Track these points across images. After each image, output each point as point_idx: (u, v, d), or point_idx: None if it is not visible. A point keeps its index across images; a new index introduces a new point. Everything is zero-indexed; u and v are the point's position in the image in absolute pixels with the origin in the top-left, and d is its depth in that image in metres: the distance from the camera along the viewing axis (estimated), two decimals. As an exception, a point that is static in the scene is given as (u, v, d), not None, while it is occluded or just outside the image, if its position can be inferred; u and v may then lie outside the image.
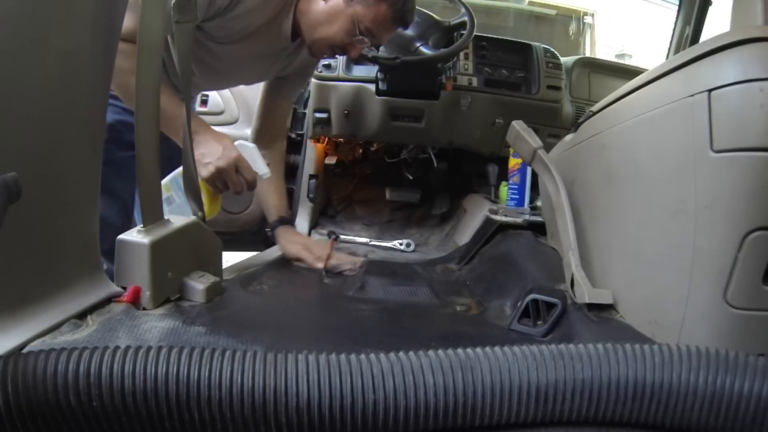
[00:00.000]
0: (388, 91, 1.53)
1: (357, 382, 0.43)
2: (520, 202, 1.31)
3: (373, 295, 1.00)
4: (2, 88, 0.46)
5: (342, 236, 1.58)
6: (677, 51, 1.74)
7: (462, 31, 1.42)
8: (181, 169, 0.96)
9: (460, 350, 0.47)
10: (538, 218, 1.15)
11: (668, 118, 0.64)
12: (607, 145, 0.81)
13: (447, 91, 1.53)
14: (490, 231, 1.17)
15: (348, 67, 1.55)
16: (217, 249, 0.85)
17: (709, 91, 0.57)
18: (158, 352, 0.43)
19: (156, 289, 0.65)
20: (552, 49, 1.69)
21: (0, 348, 0.48)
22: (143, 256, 0.64)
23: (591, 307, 0.72)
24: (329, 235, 1.55)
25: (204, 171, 0.94)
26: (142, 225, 0.66)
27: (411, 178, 1.86)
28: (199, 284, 0.72)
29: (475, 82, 1.58)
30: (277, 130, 1.33)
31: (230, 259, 1.29)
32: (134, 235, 0.65)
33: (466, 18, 1.42)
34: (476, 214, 1.47)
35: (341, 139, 1.75)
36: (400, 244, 1.55)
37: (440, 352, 0.47)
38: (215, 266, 0.83)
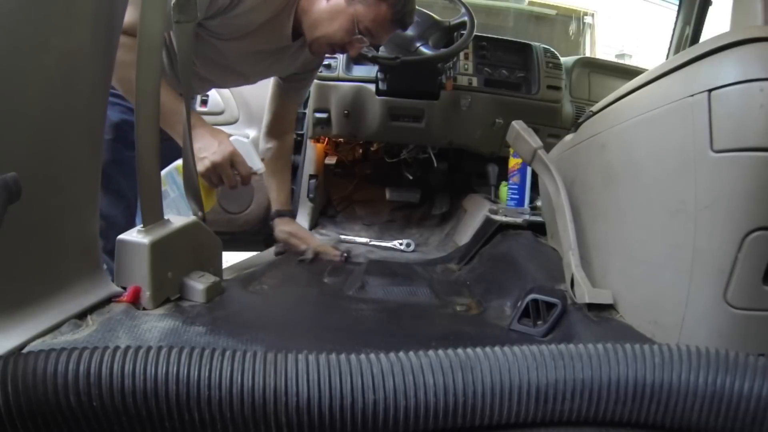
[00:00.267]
0: (388, 91, 1.53)
1: (357, 382, 0.43)
2: (520, 202, 1.31)
3: (373, 295, 1.00)
4: (2, 88, 0.46)
5: (342, 236, 1.58)
6: (677, 51, 1.74)
7: (462, 31, 1.42)
8: (176, 163, 0.97)
9: (460, 350, 0.47)
10: (538, 218, 1.15)
11: (668, 118, 0.64)
12: (607, 145, 0.81)
13: (447, 91, 1.54)
14: (490, 231, 1.17)
15: (348, 67, 1.55)
16: (217, 249, 0.85)
17: (709, 91, 0.57)
18: (158, 352, 0.43)
19: (156, 289, 0.65)
20: (552, 49, 1.69)
21: (0, 348, 0.48)
22: (143, 256, 0.64)
23: (591, 307, 0.72)
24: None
25: (199, 165, 0.95)
26: (142, 225, 0.66)
27: (411, 178, 1.86)
28: (199, 284, 0.72)
29: (475, 82, 1.58)
30: (285, 124, 1.35)
31: (230, 259, 1.29)
32: (134, 235, 0.65)
33: (466, 18, 1.42)
34: (476, 214, 1.47)
35: (341, 139, 1.75)
36: (400, 244, 1.55)
37: (440, 352, 0.47)
38: (215, 266, 0.83)
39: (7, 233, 0.42)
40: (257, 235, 1.70)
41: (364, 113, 1.57)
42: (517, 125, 0.99)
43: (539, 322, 0.75)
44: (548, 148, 0.97)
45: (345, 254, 1.30)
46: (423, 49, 1.35)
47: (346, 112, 1.56)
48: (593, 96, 1.75)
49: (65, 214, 0.57)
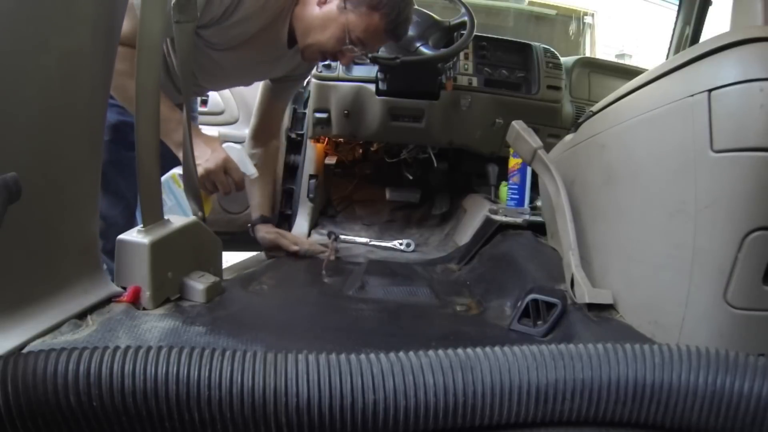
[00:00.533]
0: (388, 91, 1.53)
1: (357, 382, 0.43)
2: (520, 202, 1.31)
3: (373, 295, 1.00)
4: (2, 89, 0.46)
5: (342, 236, 1.58)
6: (677, 51, 1.74)
7: (462, 31, 1.42)
8: (172, 172, 0.99)
9: (460, 350, 0.47)
10: (538, 218, 1.15)
11: (668, 118, 0.64)
12: (607, 145, 0.81)
13: (447, 91, 1.53)
14: (490, 231, 1.17)
15: (348, 67, 1.55)
16: (217, 249, 0.85)
17: (709, 91, 0.57)
18: (158, 352, 0.43)
19: (156, 289, 0.65)
20: (552, 49, 1.69)
21: (0, 348, 0.48)
22: (143, 256, 0.64)
23: (591, 307, 0.72)
24: (329, 235, 1.55)
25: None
26: (142, 225, 0.66)
27: (411, 178, 1.86)
28: (199, 284, 0.72)
29: (475, 82, 1.58)
30: (272, 129, 1.36)
31: (230, 259, 1.30)
32: (134, 235, 0.65)
33: (466, 18, 1.42)
34: (476, 214, 1.47)
35: (341, 139, 1.75)
36: (400, 244, 1.55)
37: (440, 352, 0.47)
38: (215, 266, 0.83)
39: (7, 233, 0.42)
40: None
41: (364, 113, 1.57)
42: (517, 125, 0.99)
43: (539, 322, 0.75)
44: (548, 148, 0.97)
45: (336, 252, 1.29)
46: (423, 49, 1.35)
47: (346, 112, 1.56)
48: (593, 96, 1.75)
49: (65, 214, 0.57)
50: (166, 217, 0.71)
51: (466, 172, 1.83)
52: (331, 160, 1.79)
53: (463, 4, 1.44)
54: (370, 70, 1.54)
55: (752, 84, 0.54)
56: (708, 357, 0.45)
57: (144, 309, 0.64)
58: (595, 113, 0.89)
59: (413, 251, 1.54)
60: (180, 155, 0.96)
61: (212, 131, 1.55)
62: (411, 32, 1.37)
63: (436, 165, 1.74)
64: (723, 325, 0.58)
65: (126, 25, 0.63)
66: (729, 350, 0.46)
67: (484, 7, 2.74)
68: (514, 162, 1.32)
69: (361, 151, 1.89)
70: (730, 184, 0.56)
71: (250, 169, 1.04)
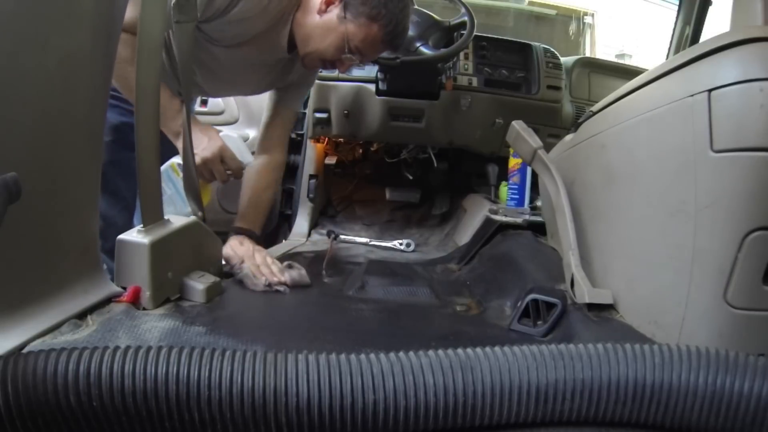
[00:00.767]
0: (388, 91, 1.53)
1: (357, 382, 0.43)
2: (520, 202, 1.31)
3: (373, 295, 1.00)
4: (2, 89, 0.46)
5: (342, 236, 1.58)
6: (677, 51, 1.74)
7: (462, 31, 1.42)
8: (172, 160, 1.00)
9: (460, 350, 0.47)
10: (538, 218, 1.15)
11: (668, 118, 0.64)
12: (607, 145, 0.81)
13: (447, 91, 1.53)
14: (490, 231, 1.17)
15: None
16: (217, 249, 0.85)
17: (709, 91, 0.57)
18: (158, 352, 0.43)
19: (156, 289, 0.65)
20: (552, 49, 1.69)
21: (0, 348, 0.48)
22: (143, 256, 0.64)
23: (591, 307, 0.72)
24: (329, 234, 1.55)
25: None
26: (142, 225, 0.66)
27: (411, 178, 1.86)
28: (199, 284, 0.72)
29: (475, 82, 1.58)
30: (278, 137, 1.24)
31: (230, 259, 1.29)
32: (134, 235, 0.65)
33: (466, 18, 1.42)
34: (476, 214, 1.47)
35: (341, 139, 1.75)
36: (400, 244, 1.55)
37: (440, 352, 0.47)
38: (215, 266, 0.83)
39: (7, 233, 0.42)
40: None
41: (364, 113, 1.57)
42: (517, 125, 0.99)
43: (539, 322, 0.75)
44: (548, 148, 0.97)
45: (269, 284, 0.89)
46: (423, 49, 1.35)
47: (346, 112, 1.56)
48: (593, 96, 1.75)
49: (65, 214, 0.57)
50: (166, 216, 0.71)
51: (466, 172, 1.83)
52: (331, 160, 1.79)
53: (463, 4, 1.44)
54: (370, 70, 1.54)
55: (752, 84, 0.54)
56: (708, 357, 0.45)
57: (144, 309, 0.64)
58: (595, 113, 0.89)
59: (413, 251, 1.54)
60: (178, 144, 0.96)
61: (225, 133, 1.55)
62: (411, 32, 1.37)
63: (436, 165, 1.74)
64: (723, 325, 0.58)
65: (129, 12, 0.64)
66: (729, 350, 0.46)
67: (484, 7, 2.74)
68: (514, 162, 1.32)
69: (361, 151, 1.89)
70: (730, 184, 0.56)
71: (247, 157, 1.04)
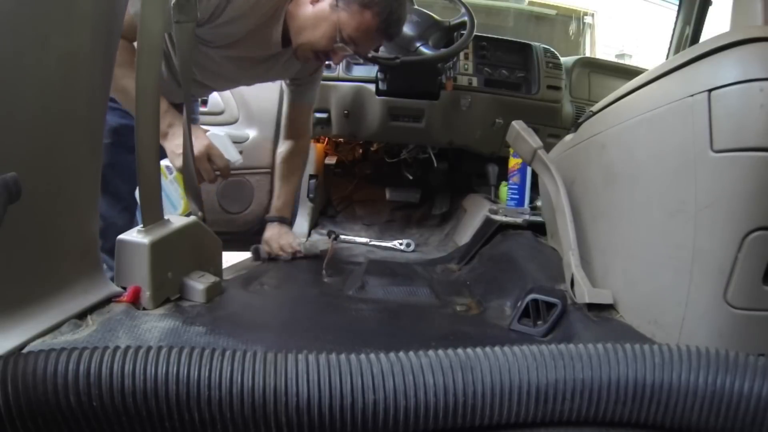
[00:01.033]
0: (388, 91, 1.53)
1: (357, 382, 0.43)
2: (520, 202, 1.31)
3: (373, 295, 1.00)
4: (2, 89, 0.46)
5: (342, 236, 1.58)
6: (677, 51, 1.74)
7: (462, 31, 1.42)
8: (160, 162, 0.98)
9: (460, 350, 0.47)
10: (538, 218, 1.15)
11: (668, 118, 0.64)
12: (607, 145, 0.81)
13: (447, 91, 1.53)
14: (490, 231, 1.17)
15: (348, 67, 1.55)
16: (217, 249, 0.85)
17: (709, 91, 0.57)
18: (158, 352, 0.43)
19: (156, 289, 0.65)
20: (552, 49, 1.69)
21: (0, 348, 0.48)
22: (143, 256, 0.64)
23: (591, 307, 0.72)
24: (329, 234, 1.55)
25: (177, 161, 0.96)
26: (142, 225, 0.66)
27: (411, 178, 1.86)
28: (199, 284, 0.72)
29: (475, 82, 1.58)
30: (298, 127, 1.34)
31: (230, 259, 1.29)
32: (134, 235, 0.65)
33: (466, 18, 1.42)
34: (476, 214, 1.47)
35: (341, 139, 1.75)
36: (400, 244, 1.55)
37: (440, 352, 0.47)
38: (215, 266, 0.83)
39: (7, 233, 0.42)
40: (257, 235, 1.70)
41: (364, 113, 1.57)
42: (517, 125, 0.99)
43: (539, 322, 0.75)
44: (548, 148, 0.97)
45: (298, 251, 1.26)
46: (423, 49, 1.35)
47: (345, 112, 1.56)
48: (593, 96, 1.75)
49: (65, 214, 0.57)
50: (165, 216, 0.71)
51: (466, 172, 1.83)
52: (331, 160, 1.79)
53: (463, 4, 1.44)
54: (370, 70, 1.54)
55: (752, 84, 0.54)
56: (708, 357, 0.45)
57: (144, 309, 0.64)
58: (595, 113, 0.89)
59: (413, 251, 1.54)
60: (165, 145, 0.96)
61: (215, 131, 1.55)
62: (411, 32, 1.37)
63: (436, 165, 1.74)
64: (723, 325, 0.58)
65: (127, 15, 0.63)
66: (729, 350, 0.46)
67: (484, 7, 2.74)
68: (514, 162, 1.32)
69: (361, 151, 1.89)
70: (730, 184, 0.56)
71: (234, 155, 1.03)
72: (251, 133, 1.65)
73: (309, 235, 1.61)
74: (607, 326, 0.68)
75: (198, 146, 0.97)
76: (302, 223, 1.63)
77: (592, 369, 0.46)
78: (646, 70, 0.77)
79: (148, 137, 0.65)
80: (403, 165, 1.85)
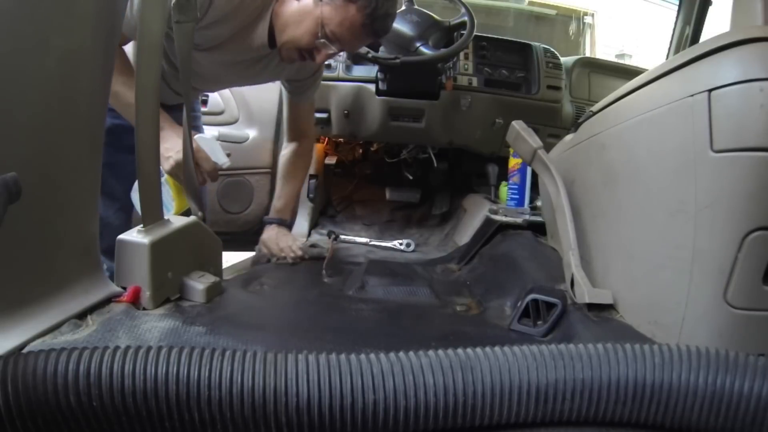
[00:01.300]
0: (388, 91, 1.53)
1: (357, 382, 0.43)
2: (520, 202, 1.31)
3: (373, 295, 1.00)
4: (2, 89, 0.46)
5: (342, 236, 1.58)
6: (677, 51, 1.74)
7: (462, 31, 1.42)
8: None
9: (460, 350, 0.47)
10: (538, 218, 1.15)
11: (668, 118, 0.64)
12: (607, 145, 0.81)
13: (447, 91, 1.53)
14: (490, 231, 1.17)
15: (348, 67, 1.55)
16: (217, 249, 0.85)
17: (709, 91, 0.57)
18: (158, 352, 0.43)
19: (156, 289, 0.65)
20: (552, 49, 1.69)
21: (0, 348, 0.48)
22: (143, 256, 0.64)
23: (591, 307, 0.72)
24: (329, 234, 1.55)
25: (165, 164, 0.96)
26: (142, 225, 0.66)
27: (411, 178, 1.86)
28: (199, 284, 0.72)
29: (475, 82, 1.58)
30: (300, 128, 1.33)
31: (230, 259, 1.30)
32: (134, 235, 0.65)
33: (466, 18, 1.42)
34: (476, 214, 1.47)
35: (341, 139, 1.75)
36: (400, 244, 1.55)
37: (440, 352, 0.47)
38: (215, 266, 0.83)
39: (7, 233, 0.42)
40: (257, 235, 1.70)
41: (364, 113, 1.57)
42: (517, 125, 0.99)
43: (539, 322, 0.75)
44: (548, 148, 0.97)
45: (301, 254, 1.24)
46: (423, 49, 1.35)
47: (345, 112, 1.56)
48: (593, 96, 1.75)
49: (65, 214, 0.57)
50: (165, 216, 0.71)
51: (466, 172, 1.83)
52: (331, 160, 1.79)
53: (463, 4, 1.44)
54: (370, 70, 1.54)
55: (752, 84, 0.54)
56: (708, 357, 0.45)
57: (144, 309, 0.64)
58: (595, 113, 0.89)
59: (413, 251, 1.54)
60: None
61: (212, 131, 1.55)
62: (411, 32, 1.37)
63: (436, 165, 1.74)
64: (723, 325, 0.58)
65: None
66: (729, 350, 0.46)
67: (484, 7, 2.74)
68: (514, 162, 1.32)
69: (361, 151, 1.89)
70: (730, 184, 0.56)
71: (221, 158, 1.03)
72: (251, 133, 1.65)
73: (309, 235, 1.61)
74: (607, 326, 0.68)
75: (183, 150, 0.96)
76: (302, 223, 1.63)
77: (592, 369, 0.46)
78: (646, 70, 0.77)
79: (148, 137, 0.65)
80: (403, 165, 1.85)
